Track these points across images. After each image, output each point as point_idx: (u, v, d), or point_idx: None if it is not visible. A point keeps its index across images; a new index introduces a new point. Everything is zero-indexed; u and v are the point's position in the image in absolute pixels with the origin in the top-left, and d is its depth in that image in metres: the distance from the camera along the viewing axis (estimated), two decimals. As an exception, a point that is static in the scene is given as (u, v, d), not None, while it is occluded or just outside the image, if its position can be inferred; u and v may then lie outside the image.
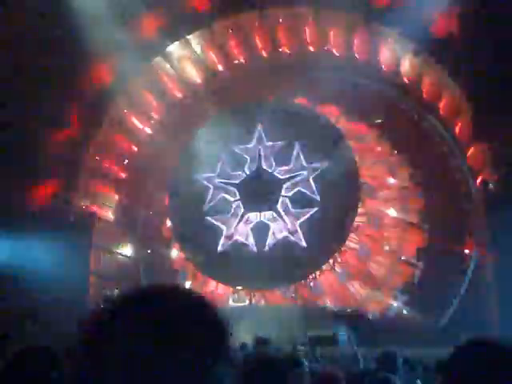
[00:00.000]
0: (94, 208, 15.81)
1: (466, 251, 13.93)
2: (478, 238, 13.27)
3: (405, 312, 13.97)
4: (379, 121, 15.71)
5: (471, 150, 13.24)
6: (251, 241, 15.77)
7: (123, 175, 17.26)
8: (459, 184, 14.01)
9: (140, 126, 17.43)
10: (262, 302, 14.55)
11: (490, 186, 12.27)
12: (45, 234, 12.79)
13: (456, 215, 13.93)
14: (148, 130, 17.63)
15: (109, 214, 16.58)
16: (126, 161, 17.37)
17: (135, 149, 17.46)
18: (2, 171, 13.14)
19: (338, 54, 16.05)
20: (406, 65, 14.75)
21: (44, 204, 14.49)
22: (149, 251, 17.09)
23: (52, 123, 14.62)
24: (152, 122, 17.66)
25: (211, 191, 16.44)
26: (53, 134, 14.91)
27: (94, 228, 14.96)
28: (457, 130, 14.18)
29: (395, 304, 14.31)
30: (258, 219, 15.88)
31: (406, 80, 15.14)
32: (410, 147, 15.52)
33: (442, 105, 14.50)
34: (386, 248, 15.13)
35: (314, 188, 15.53)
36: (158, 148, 17.07)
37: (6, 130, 13.33)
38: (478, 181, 13.00)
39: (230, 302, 14.15)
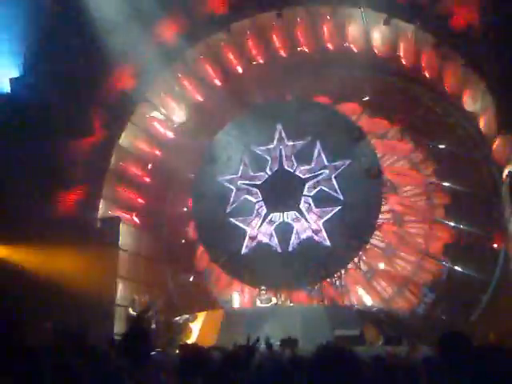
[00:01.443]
0: (120, 213, 16.00)
1: (495, 246, 13.68)
2: (505, 232, 13.01)
3: (433, 310, 13.79)
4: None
5: (496, 143, 12.98)
6: (275, 241, 15.78)
7: (147, 179, 17.45)
8: (485, 178, 13.75)
9: (162, 130, 17.59)
10: (288, 302, 14.52)
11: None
12: (71, 240, 13.04)
13: (483, 210, 13.69)
14: (170, 134, 17.77)
15: (134, 219, 16.78)
16: (150, 165, 17.55)
17: (158, 153, 17.62)
18: (27, 180, 13.43)
19: (357, 51, 15.91)
20: (427, 59, 14.54)
21: (70, 211, 14.77)
22: (175, 254, 17.24)
23: (75, 130, 14.87)
24: (174, 125, 17.80)
25: (234, 193, 16.53)
26: (77, 141, 15.18)
27: (120, 233, 15.13)
28: (481, 123, 13.91)
29: (423, 302, 14.15)
30: (282, 219, 15.89)
31: (427, 74, 14.92)
32: (434, 142, 15.32)
33: (465, 98, 14.25)
34: (412, 245, 14.95)
35: (337, 186, 15.46)
36: (180, 151, 17.21)
37: (30, 140, 13.61)
38: (505, 174, 12.74)
39: (257, 303, 14.17)
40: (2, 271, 13.01)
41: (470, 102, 14.05)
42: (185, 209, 17.58)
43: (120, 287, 14.92)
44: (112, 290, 14.33)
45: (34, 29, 14.42)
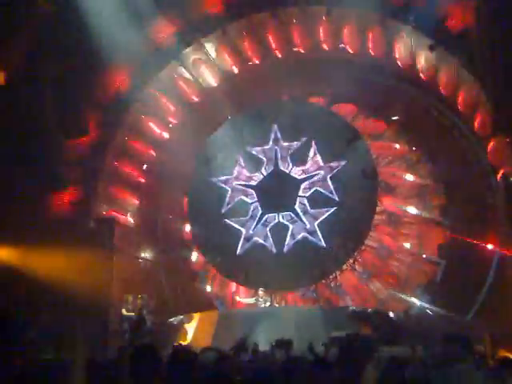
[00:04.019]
0: (114, 213, 15.94)
1: (489, 246, 13.70)
2: (500, 233, 13.03)
3: (428, 311, 13.80)
4: (396, 118, 15.55)
5: (491, 144, 13.00)
6: (270, 242, 15.77)
7: (142, 180, 17.38)
8: (480, 179, 13.77)
9: (157, 130, 17.53)
10: (283, 303, 14.50)
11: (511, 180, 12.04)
12: (65, 240, 12.97)
13: (477, 210, 13.71)
14: (166, 135, 17.71)
15: (129, 219, 16.72)
16: (145, 166, 17.48)
17: (153, 153, 17.57)
18: (21, 180, 13.36)
19: (352, 52, 15.91)
20: (422, 60, 14.55)
21: (64, 211, 14.69)
22: (169, 255, 17.20)
23: (70, 131, 14.80)
24: (169, 126, 17.74)
25: (229, 194, 16.50)
26: (71, 142, 15.11)
27: (115, 233, 15.06)
28: (476, 124, 13.93)
29: (418, 303, 14.16)
30: (277, 220, 15.87)
31: (422, 75, 14.94)
32: (428, 143, 15.34)
33: (460, 99, 14.27)
34: (407, 246, 14.97)
35: (332, 187, 15.46)
36: (175, 152, 17.17)
37: (24, 140, 13.54)
38: (499, 175, 12.77)
39: (251, 304, 14.15)
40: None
41: (465, 104, 14.08)
42: (179, 210, 17.51)
43: (115, 288, 14.84)
44: (107, 290, 14.25)
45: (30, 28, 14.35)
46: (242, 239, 16.08)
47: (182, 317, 13.73)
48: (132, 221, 16.81)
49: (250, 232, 16.08)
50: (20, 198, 13.48)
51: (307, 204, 15.70)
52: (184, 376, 3.90)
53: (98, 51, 13.86)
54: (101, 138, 15.73)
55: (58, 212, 14.71)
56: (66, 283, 12.87)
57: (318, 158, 15.85)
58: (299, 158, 16.11)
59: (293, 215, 15.73)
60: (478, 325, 11.06)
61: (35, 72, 13.99)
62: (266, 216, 16.04)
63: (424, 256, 14.69)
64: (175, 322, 13.73)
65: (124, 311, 13.98)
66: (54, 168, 14.42)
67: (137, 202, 17.07)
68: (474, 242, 13.61)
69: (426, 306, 13.95)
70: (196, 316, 13.60)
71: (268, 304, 13.60)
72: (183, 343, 12.14)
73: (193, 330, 13.24)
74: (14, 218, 13.07)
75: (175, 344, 11.20)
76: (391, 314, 12.98)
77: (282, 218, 15.85)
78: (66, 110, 14.34)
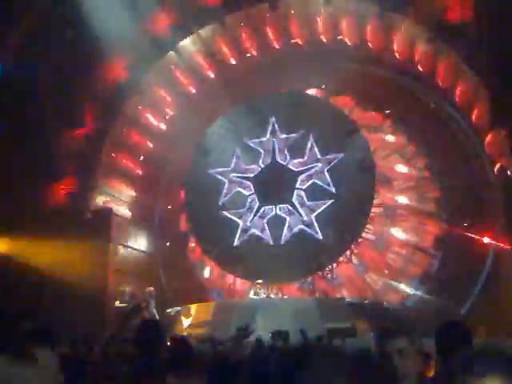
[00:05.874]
0: (111, 204, 15.92)
1: (485, 239, 13.74)
2: (496, 226, 13.07)
3: (423, 302, 13.87)
4: (388, 111, 15.58)
5: (489, 137, 13.01)
6: (267, 234, 15.79)
7: (139, 171, 17.36)
8: (477, 172, 13.79)
9: (154, 122, 17.49)
10: (280, 295, 14.54)
11: (509, 172, 12.06)
12: (62, 231, 12.97)
13: (474, 203, 13.74)
14: (162, 126, 17.68)
15: (125, 210, 16.71)
16: (142, 157, 17.45)
17: (150, 145, 17.53)
18: (18, 172, 13.33)
19: (350, 44, 15.87)
20: (420, 52, 14.52)
21: (61, 202, 14.68)
22: (166, 245, 17.22)
23: (67, 122, 14.75)
24: (166, 117, 17.70)
25: (226, 185, 16.51)
26: (68, 133, 15.06)
27: (111, 224, 15.06)
28: (474, 117, 13.94)
29: (413, 294, 14.22)
30: (274, 212, 15.89)
31: (420, 68, 14.92)
32: (426, 136, 15.33)
33: (457, 92, 14.26)
34: (403, 238, 15.00)
35: (329, 180, 15.47)
36: (172, 143, 17.14)
37: (21, 131, 13.49)
38: (496, 168, 12.79)
39: (249, 296, 14.18)
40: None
41: (462, 96, 14.07)
42: (176, 201, 17.51)
43: (111, 279, 14.86)
44: (104, 281, 14.27)
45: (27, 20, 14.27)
46: (239, 231, 16.10)
47: (178, 308, 13.75)
48: (129, 212, 16.80)
49: (247, 224, 16.10)
50: (17, 188, 13.46)
51: (304, 196, 15.71)
52: (183, 366, 3.91)
53: (96, 43, 13.78)
54: (98, 129, 15.69)
55: (55, 203, 14.70)
56: (63, 274, 12.90)
57: (316, 150, 15.85)
58: (297, 151, 16.10)
59: (290, 207, 15.75)
60: (472, 316, 11.12)
61: (33, 64, 13.93)
62: (263, 208, 16.06)
63: (420, 247, 14.72)
64: (172, 313, 13.75)
65: (117, 303, 14.00)
66: (51, 159, 14.38)
67: (134, 193, 17.06)
68: (471, 234, 13.64)
69: (423, 296, 14.01)
70: (193, 307, 13.62)
71: (265, 295, 13.64)
72: (180, 334, 12.16)
73: (190, 321, 13.27)
74: (11, 208, 13.06)
75: (172, 335, 11.21)
76: (387, 305, 13.03)
77: (279, 210, 15.87)
78: (64, 101, 14.28)
